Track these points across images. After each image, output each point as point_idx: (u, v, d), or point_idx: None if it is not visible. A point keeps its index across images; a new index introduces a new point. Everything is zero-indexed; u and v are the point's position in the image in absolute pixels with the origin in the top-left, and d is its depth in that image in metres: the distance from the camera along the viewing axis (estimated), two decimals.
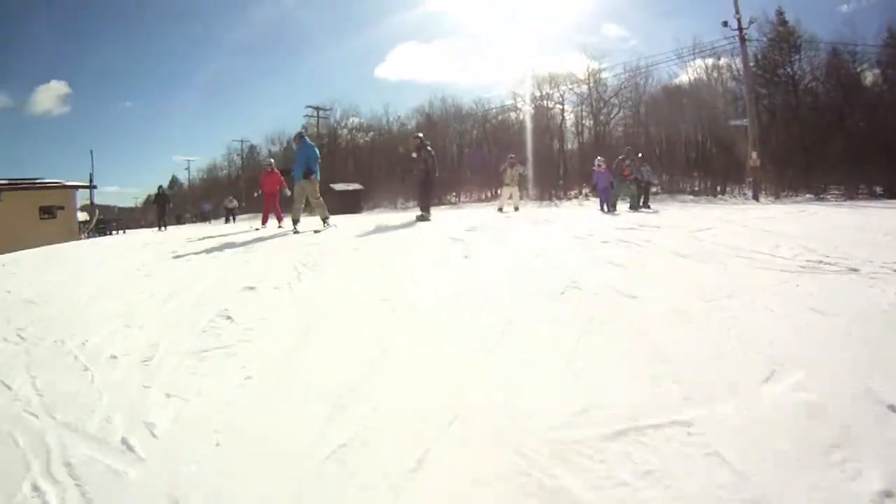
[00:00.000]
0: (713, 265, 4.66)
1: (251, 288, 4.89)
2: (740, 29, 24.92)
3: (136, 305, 4.77)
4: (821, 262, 4.49)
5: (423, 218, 11.20)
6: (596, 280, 4.26)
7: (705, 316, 3.27)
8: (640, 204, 16.01)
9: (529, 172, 30.39)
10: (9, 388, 3.10)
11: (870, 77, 33.36)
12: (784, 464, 1.81)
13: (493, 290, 4.19)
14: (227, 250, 7.64)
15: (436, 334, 3.34)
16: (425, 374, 2.76)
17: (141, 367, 3.21)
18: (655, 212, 13.66)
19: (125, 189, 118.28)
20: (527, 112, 42.99)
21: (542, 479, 1.82)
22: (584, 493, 1.74)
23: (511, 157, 16.61)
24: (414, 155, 12.16)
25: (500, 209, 15.59)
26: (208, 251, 7.74)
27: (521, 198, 17.22)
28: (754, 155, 23.37)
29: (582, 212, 15.52)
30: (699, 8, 56.55)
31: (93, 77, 67.33)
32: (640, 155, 18.12)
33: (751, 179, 25.28)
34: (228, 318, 4.01)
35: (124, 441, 2.35)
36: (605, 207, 15.09)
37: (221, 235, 10.47)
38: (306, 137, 11.24)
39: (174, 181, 54.98)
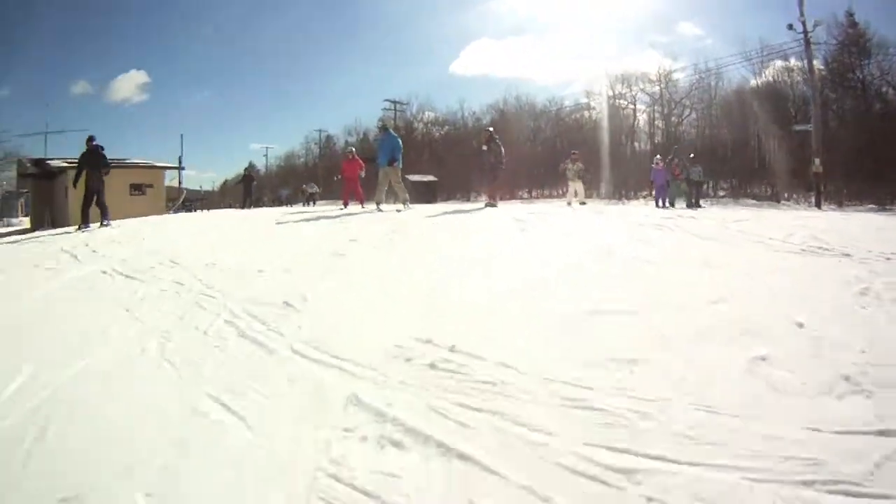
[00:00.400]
0: (727, 246, 5.92)
1: (354, 240, 6.53)
2: (805, 32, 25.11)
3: (264, 251, 6.46)
4: (822, 248, 5.58)
5: (491, 205, 12.01)
6: (625, 250, 5.64)
7: (698, 274, 4.59)
8: (694, 202, 17.12)
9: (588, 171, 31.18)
10: (201, 280, 4.79)
11: None
12: (703, 341, 3.08)
13: (543, 252, 5.65)
14: (323, 220, 9.35)
15: (485, 270, 4.86)
16: (475, 279, 4.29)
17: (283, 275, 4.86)
18: (704, 209, 14.81)
19: (202, 173, 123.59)
20: (600, 111, 43.91)
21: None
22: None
23: (573, 154, 17.45)
24: (484, 147, 13.21)
25: (569, 203, 16.21)
26: (307, 220, 9.51)
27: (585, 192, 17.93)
28: (817, 161, 23.59)
29: (641, 207, 16.55)
30: (775, 5, 55.56)
31: (172, 67, 70.72)
32: (691, 155, 19.19)
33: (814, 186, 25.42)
34: (341, 255, 5.64)
35: (285, 303, 3.96)
36: (662, 203, 16.24)
37: (312, 212, 12.28)
38: (391, 129, 12.94)
39: (252, 166, 57.71)
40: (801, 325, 3.12)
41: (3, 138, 34.99)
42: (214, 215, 15.01)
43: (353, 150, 16.74)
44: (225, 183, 58.67)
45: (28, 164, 25.45)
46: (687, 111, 42.08)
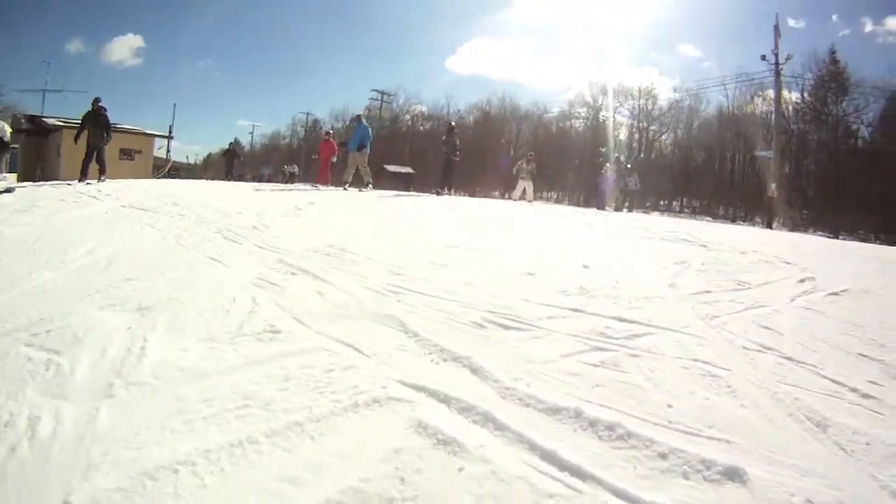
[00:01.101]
0: (614, 233, 8.02)
1: (312, 203, 8.88)
2: (776, 63, 27.82)
3: (244, 203, 8.66)
4: (685, 238, 7.38)
5: (439, 193, 14.19)
6: (526, 222, 7.92)
7: (585, 247, 6.59)
8: (622, 209, 19.00)
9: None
10: (197, 213, 7.05)
11: None
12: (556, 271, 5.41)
13: (441, 217, 7.95)
14: (294, 191, 11.76)
15: (393, 223, 7.14)
16: (385, 225, 6.55)
17: (255, 216, 7.08)
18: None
19: (188, 145, 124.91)
20: (586, 120, 46.61)
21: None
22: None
23: (530, 154, 18.50)
24: (444, 137, 15.45)
25: (514, 199, 17.29)
26: (281, 190, 11.97)
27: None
28: (773, 186, 26.17)
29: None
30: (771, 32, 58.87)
31: (168, 35, 71.67)
32: (628, 166, 21.39)
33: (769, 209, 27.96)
34: (300, 209, 7.97)
35: (253, 227, 6.16)
36: (602, 207, 18.28)
37: (287, 187, 14.76)
38: (363, 120, 15.42)
39: (236, 143, 59.04)
40: (585, 266, 4.95)
41: (1, 91, 36.66)
42: (200, 182, 17.20)
43: (331, 132, 19.39)
44: (209, 156, 60.37)
45: (22, 120, 25.92)
46: (663, 129, 45.13)
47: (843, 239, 24.09)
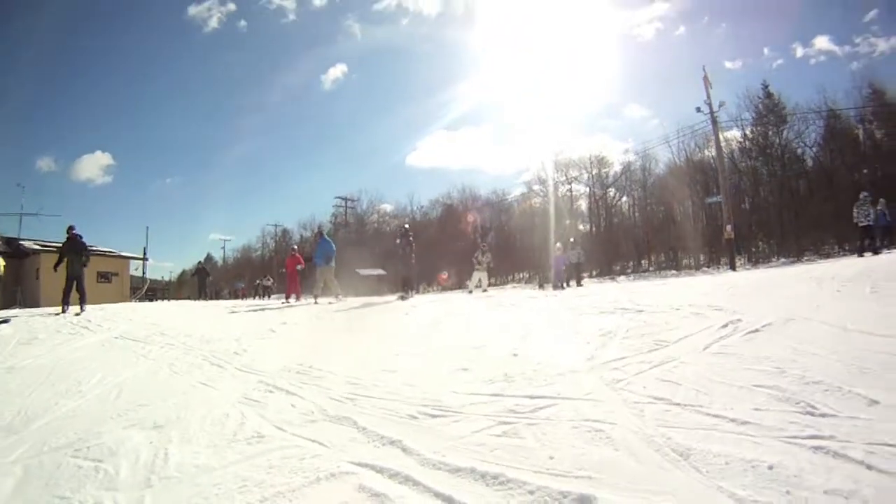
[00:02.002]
0: (554, 315, 9.21)
1: (284, 323, 9.89)
2: (711, 112, 29.97)
3: (222, 328, 9.70)
4: (624, 307, 8.03)
5: (403, 298, 14.36)
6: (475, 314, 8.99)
7: (520, 335, 7.60)
8: (568, 284, 20.18)
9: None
10: (183, 343, 8.02)
11: (857, 133, 38.72)
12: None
13: (405, 320, 9.01)
14: (266, 310, 12.83)
15: (363, 336, 8.17)
16: (353, 339, 7.56)
17: (233, 340, 8.04)
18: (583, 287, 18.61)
19: (160, 262, 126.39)
20: (545, 198, 49.01)
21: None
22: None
23: (483, 245, 19.87)
24: (398, 241, 16.13)
25: (471, 291, 18.24)
26: (254, 310, 13.02)
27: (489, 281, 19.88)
28: (728, 228, 28.09)
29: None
30: (715, 80, 62.69)
31: (137, 152, 74.98)
32: (571, 239, 22.92)
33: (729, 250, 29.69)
34: (273, 331, 8.96)
35: (234, 352, 7.15)
36: (560, 284, 19.50)
37: (258, 305, 16.12)
38: (325, 235, 16.79)
39: (209, 259, 60.01)
40: (514, 355, 5.88)
41: None
42: (177, 304, 18.10)
43: (296, 247, 21.14)
44: (182, 273, 61.69)
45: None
46: (618, 194, 47.76)
47: (807, 259, 25.36)
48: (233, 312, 12.83)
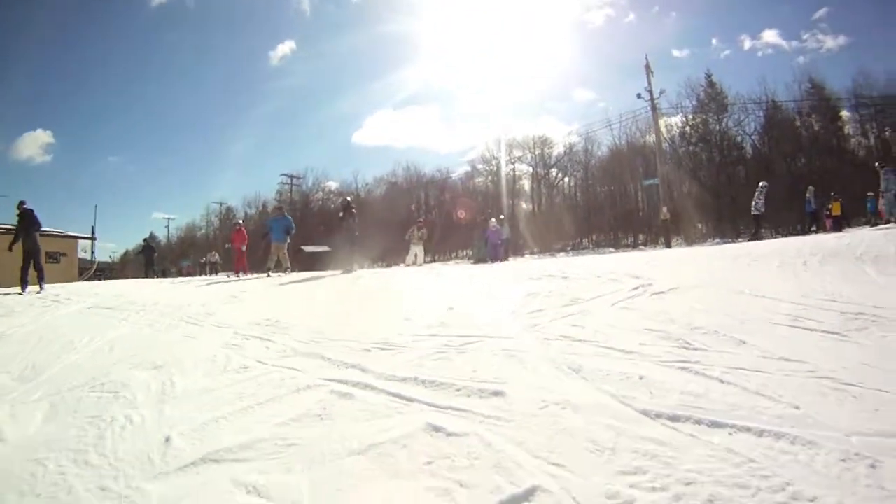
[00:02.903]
0: (488, 282, 10.31)
1: (244, 291, 10.80)
2: (651, 99, 31.85)
3: (188, 297, 10.53)
4: (551, 274, 9.29)
5: (347, 271, 14.93)
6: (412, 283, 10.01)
7: (456, 296, 8.79)
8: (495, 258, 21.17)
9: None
10: (154, 309, 8.89)
11: (797, 125, 42.01)
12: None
13: (361, 288, 10.00)
14: (222, 283, 13.69)
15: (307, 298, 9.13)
16: (301, 299, 8.53)
17: (200, 305, 8.92)
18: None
19: (103, 243, 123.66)
20: (488, 177, 50.37)
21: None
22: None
23: (419, 221, 21.15)
24: (341, 215, 16.42)
25: (408, 265, 19.55)
26: (210, 284, 13.90)
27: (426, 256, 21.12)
28: (664, 209, 30.06)
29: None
30: (660, 65, 65.19)
31: (79, 129, 73.91)
32: (501, 216, 24.15)
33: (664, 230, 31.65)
34: (234, 297, 9.86)
35: (206, 313, 8.06)
36: (493, 259, 20.50)
37: (214, 280, 16.97)
38: (285, 211, 18.04)
39: (152, 238, 59.86)
40: (450, 308, 7.15)
41: None
42: (132, 282, 18.51)
43: (241, 221, 21.89)
44: (126, 254, 61.12)
45: None
46: (561, 174, 49.43)
47: (742, 240, 27.11)
48: (190, 285, 13.81)
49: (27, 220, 13.17)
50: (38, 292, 12.50)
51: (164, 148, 79.39)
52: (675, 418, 3.09)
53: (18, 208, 13.23)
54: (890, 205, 17.20)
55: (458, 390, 3.82)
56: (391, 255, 41.20)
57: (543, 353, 4.58)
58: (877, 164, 19.93)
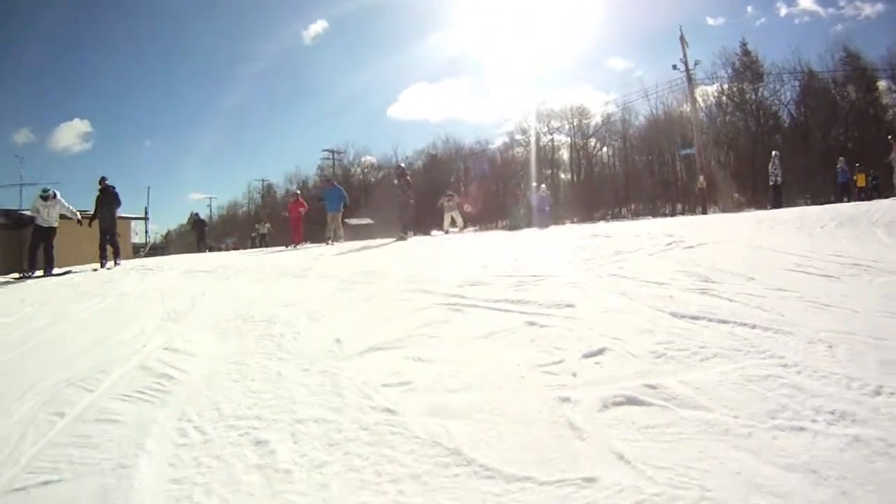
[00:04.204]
0: (541, 241, 11.77)
1: (322, 255, 12.34)
2: (687, 70, 32.90)
3: (286, 262, 12.15)
4: (595, 234, 11.12)
5: (402, 238, 15.06)
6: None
7: (517, 252, 10.27)
8: (525, 225, 21.59)
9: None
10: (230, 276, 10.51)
11: (833, 95, 42.39)
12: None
13: (433, 244, 11.50)
14: (287, 252, 15.27)
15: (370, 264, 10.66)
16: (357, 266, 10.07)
17: (302, 269, 10.50)
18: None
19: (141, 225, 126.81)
20: (527, 147, 51.49)
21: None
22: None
23: (449, 193, 21.71)
24: (395, 181, 16.98)
25: (446, 231, 20.03)
26: (276, 252, 15.49)
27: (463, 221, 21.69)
28: (701, 178, 31.32)
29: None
30: (697, 37, 65.32)
31: (114, 116, 76.34)
32: (533, 184, 25.28)
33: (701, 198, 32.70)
34: (317, 259, 11.40)
35: (305, 268, 9.64)
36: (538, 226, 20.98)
37: (282, 251, 18.48)
38: (336, 182, 19.70)
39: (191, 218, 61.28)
40: (515, 259, 8.55)
41: None
42: (195, 256, 19.54)
43: (299, 192, 22.99)
44: (168, 234, 63.14)
45: None
46: (599, 144, 50.44)
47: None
48: (259, 255, 14.98)
49: (108, 197, 13.69)
50: (109, 268, 13.08)
51: (201, 129, 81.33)
52: (694, 318, 4.56)
53: (100, 184, 13.75)
54: None
55: (540, 305, 5.29)
56: (433, 225, 42.61)
57: (597, 284, 6.10)
58: (889, 136, 21.18)
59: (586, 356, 3.83)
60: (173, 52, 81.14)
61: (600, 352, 3.89)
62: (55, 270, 12.77)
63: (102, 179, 13.78)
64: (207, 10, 79.13)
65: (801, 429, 2.63)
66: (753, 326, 4.23)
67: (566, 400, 3.12)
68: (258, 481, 2.56)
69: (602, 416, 2.93)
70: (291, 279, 8.76)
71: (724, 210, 36.37)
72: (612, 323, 4.55)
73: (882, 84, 41.54)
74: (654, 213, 43.39)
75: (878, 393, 2.93)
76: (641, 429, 2.76)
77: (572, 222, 41.36)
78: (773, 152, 21.85)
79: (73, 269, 13.54)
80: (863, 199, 20.10)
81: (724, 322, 4.37)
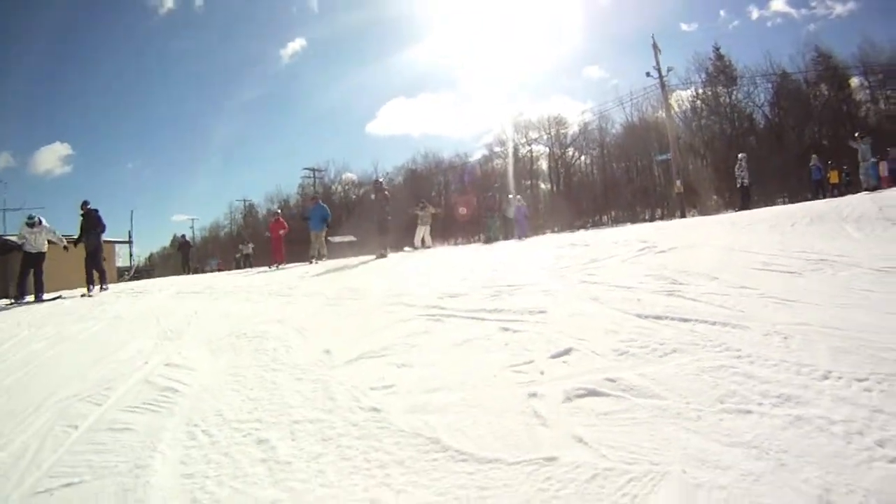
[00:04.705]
0: (521, 251, 12.21)
1: (307, 273, 12.72)
2: (660, 78, 33.85)
3: (268, 281, 12.49)
4: (573, 243, 11.49)
5: (382, 255, 15.02)
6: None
7: (496, 263, 10.71)
8: (499, 237, 22.19)
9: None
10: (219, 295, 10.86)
11: (806, 94, 43.52)
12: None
13: (413, 260, 11.89)
14: (278, 272, 15.64)
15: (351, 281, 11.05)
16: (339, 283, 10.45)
17: (286, 287, 10.87)
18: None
19: (127, 248, 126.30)
20: (505, 159, 52.35)
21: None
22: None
23: (422, 202, 21.51)
24: (373, 197, 17.02)
25: (417, 247, 19.71)
26: (266, 272, 16.01)
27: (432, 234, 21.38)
28: (678, 182, 31.95)
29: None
30: (671, 43, 66.34)
31: (95, 139, 76.71)
32: (509, 196, 25.91)
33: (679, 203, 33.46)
34: (305, 276, 11.78)
35: (289, 287, 10.00)
36: (520, 236, 21.64)
37: (269, 271, 18.87)
38: (320, 201, 19.68)
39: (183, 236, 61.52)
40: (494, 270, 9.11)
41: None
42: (181, 278, 20.10)
43: (279, 212, 23.77)
44: (151, 256, 63.30)
45: None
46: (577, 153, 51.25)
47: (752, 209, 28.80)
48: (245, 276, 15.50)
49: (90, 221, 13.62)
50: (102, 290, 13.48)
51: (181, 152, 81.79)
52: (657, 317, 4.94)
53: (82, 209, 13.69)
54: (867, 174, 19.61)
55: (513, 312, 5.68)
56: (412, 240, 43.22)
57: (569, 291, 6.46)
58: (856, 133, 22.11)
59: (554, 356, 4.21)
60: (154, 74, 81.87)
61: (567, 352, 4.27)
62: (45, 296, 12.94)
63: (84, 204, 13.75)
64: (187, 32, 79.99)
65: (748, 411, 2.95)
66: (713, 323, 4.58)
67: (533, 394, 3.50)
68: (262, 472, 2.92)
69: (565, 406, 3.30)
70: (279, 298, 9.10)
71: (702, 213, 37.05)
72: (580, 326, 4.92)
73: (854, 81, 42.64)
74: (634, 220, 44.27)
75: (825, 377, 3.22)
76: (600, 416, 3.13)
77: (553, 231, 42.05)
78: (739, 155, 22.80)
79: (63, 293, 13.70)
80: (836, 196, 20.75)
81: (686, 320, 4.73)
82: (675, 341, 4.23)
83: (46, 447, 3.63)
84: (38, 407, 4.45)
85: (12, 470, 3.35)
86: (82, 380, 5.13)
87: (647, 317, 4.99)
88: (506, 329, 5.10)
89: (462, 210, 27.03)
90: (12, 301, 12.61)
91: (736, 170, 22.10)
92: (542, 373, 3.92)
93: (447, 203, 49.15)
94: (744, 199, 21.98)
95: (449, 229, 47.17)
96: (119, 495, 2.91)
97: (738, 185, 22.05)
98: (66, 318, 9.41)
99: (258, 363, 5.08)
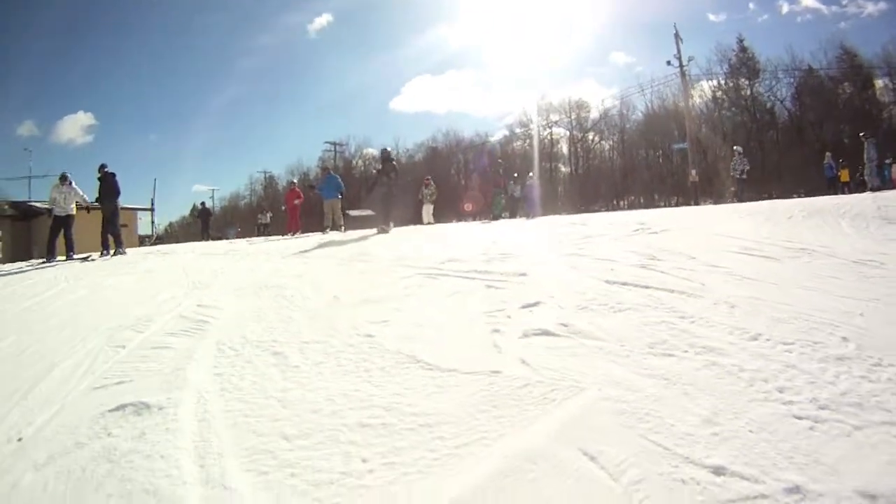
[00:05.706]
0: (523, 229, 12.98)
1: (322, 239, 13.61)
2: (681, 67, 34.13)
3: (286, 246, 13.41)
4: (572, 223, 12.42)
5: (382, 231, 14.34)
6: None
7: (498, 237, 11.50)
8: (504, 215, 22.56)
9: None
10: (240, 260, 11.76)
11: (829, 91, 43.55)
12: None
13: (419, 232, 12.73)
14: (295, 239, 16.60)
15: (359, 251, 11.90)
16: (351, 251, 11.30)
17: (297, 249, 11.76)
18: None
19: (147, 216, 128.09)
20: (527, 140, 52.78)
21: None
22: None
23: (426, 179, 22.29)
24: (379, 167, 15.50)
25: (428, 223, 20.21)
26: (286, 239, 17.00)
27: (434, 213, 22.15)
28: (693, 172, 32.56)
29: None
30: (695, 30, 66.01)
31: (118, 109, 78.70)
32: (515, 175, 25.68)
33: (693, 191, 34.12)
34: (325, 238, 12.65)
35: (301, 249, 10.89)
36: (528, 215, 21.94)
37: (288, 238, 19.57)
38: (331, 171, 20.46)
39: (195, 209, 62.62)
40: (494, 241, 9.91)
41: None
42: (201, 244, 20.74)
43: (295, 182, 24.34)
44: (170, 225, 64.38)
45: (5, 207, 29.09)
46: (597, 138, 51.67)
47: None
48: (264, 242, 16.47)
49: (107, 185, 13.74)
50: (117, 254, 13.64)
51: (205, 122, 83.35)
52: (624, 283, 5.70)
53: (99, 172, 13.77)
54: (871, 173, 20.25)
55: (500, 275, 6.50)
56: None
57: (555, 261, 7.30)
58: (861, 134, 22.49)
59: (523, 307, 5.01)
60: (177, 46, 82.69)
61: (535, 304, 5.07)
62: (76, 255, 13.43)
63: (102, 167, 13.86)
64: (212, 3, 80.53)
65: (671, 355, 3.57)
66: (672, 291, 5.16)
67: (497, 331, 4.33)
68: (276, 373, 3.74)
69: (520, 341, 4.08)
70: (296, 258, 10.05)
71: (717, 202, 37.49)
72: (554, 287, 5.71)
73: (879, 83, 42.58)
74: (650, 205, 44.50)
75: (754, 339, 3.66)
76: (546, 349, 3.89)
77: (566, 213, 42.70)
78: (735, 147, 23.63)
79: (92, 255, 13.99)
80: (846, 193, 21.18)
81: (648, 287, 5.43)
82: (631, 302, 4.95)
83: (99, 360, 4.38)
84: (88, 335, 5.20)
85: (72, 376, 4.16)
86: (124, 316, 5.86)
87: (615, 283, 5.72)
88: (490, 286, 5.94)
89: (468, 206, 27.42)
90: (44, 260, 12.95)
91: (731, 163, 23.02)
92: (509, 317, 4.73)
93: (467, 184, 49.57)
94: (740, 191, 22.76)
95: (458, 206, 47.82)
96: (163, 385, 3.73)
97: (736, 177, 22.74)
98: (99, 272, 10.23)
99: (277, 305, 5.85)
